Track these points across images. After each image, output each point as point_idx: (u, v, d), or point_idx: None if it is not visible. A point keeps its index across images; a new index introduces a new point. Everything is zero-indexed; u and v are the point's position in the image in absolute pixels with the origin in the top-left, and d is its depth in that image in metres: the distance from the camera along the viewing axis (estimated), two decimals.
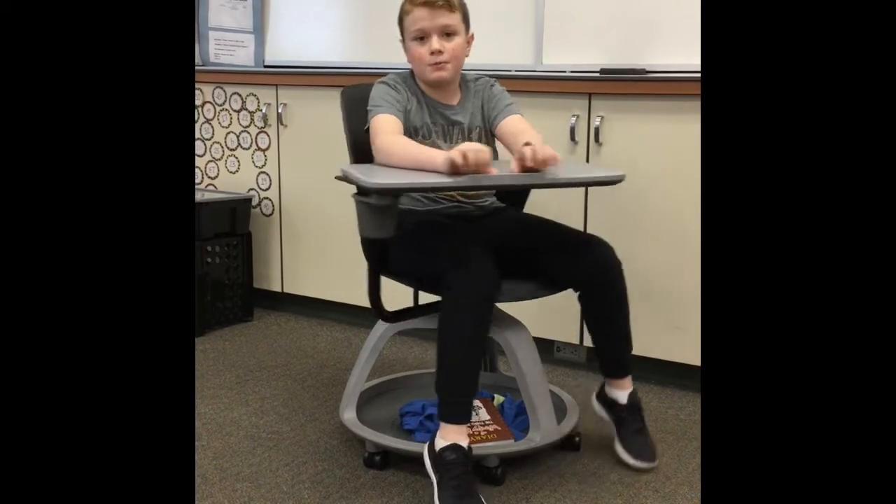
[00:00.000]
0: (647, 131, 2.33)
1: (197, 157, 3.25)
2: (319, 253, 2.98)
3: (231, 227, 2.97)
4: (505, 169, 1.69)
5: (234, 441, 2.04)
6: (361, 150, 1.93)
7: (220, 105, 3.15)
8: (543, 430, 1.86)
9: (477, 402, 1.99)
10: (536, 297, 1.86)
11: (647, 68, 2.36)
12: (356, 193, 1.76)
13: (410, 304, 2.05)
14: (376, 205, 1.72)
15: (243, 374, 2.50)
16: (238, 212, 2.98)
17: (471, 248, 1.74)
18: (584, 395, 2.21)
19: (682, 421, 2.19)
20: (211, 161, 3.22)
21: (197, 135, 3.23)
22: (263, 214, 3.10)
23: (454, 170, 1.60)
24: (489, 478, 1.81)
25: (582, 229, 2.42)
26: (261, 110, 3.03)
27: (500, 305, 1.86)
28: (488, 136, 1.97)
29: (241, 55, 3.19)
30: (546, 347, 2.56)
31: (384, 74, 1.94)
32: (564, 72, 2.47)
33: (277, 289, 3.12)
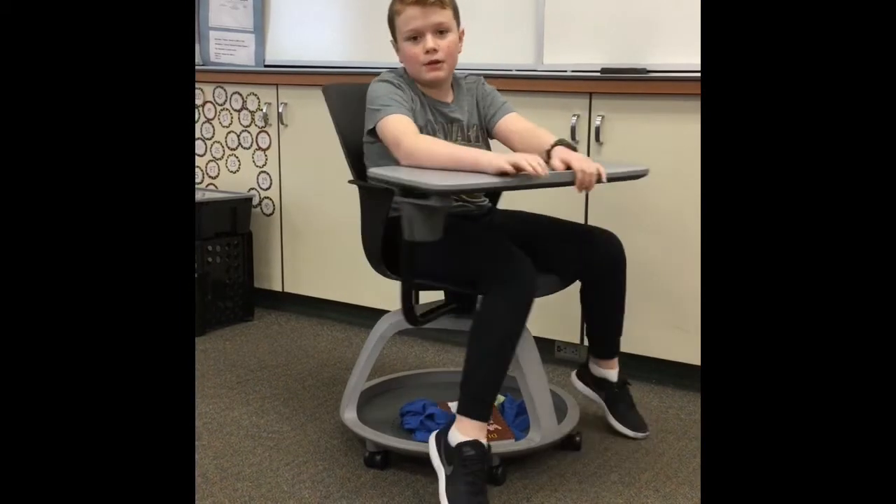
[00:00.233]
0: (648, 131, 2.33)
1: (197, 157, 3.25)
2: (320, 252, 2.98)
3: (232, 226, 2.97)
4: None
5: (234, 440, 2.04)
6: (354, 149, 1.92)
7: (221, 105, 3.15)
8: (544, 430, 1.86)
9: None
10: (559, 290, 1.92)
11: (648, 68, 2.36)
12: (406, 196, 1.68)
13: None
14: (432, 207, 1.66)
15: (244, 374, 2.50)
16: (239, 211, 2.98)
17: (510, 247, 1.77)
18: (584, 395, 2.21)
19: (682, 421, 2.19)
20: (211, 160, 3.22)
21: (197, 134, 3.23)
22: (264, 214, 3.10)
23: (503, 172, 1.60)
24: (490, 477, 1.81)
25: None
26: (261, 110, 3.03)
27: None
28: (484, 133, 1.98)
29: (242, 55, 3.19)
30: (546, 347, 2.56)
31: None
32: (565, 71, 2.47)
33: (278, 288, 3.12)
